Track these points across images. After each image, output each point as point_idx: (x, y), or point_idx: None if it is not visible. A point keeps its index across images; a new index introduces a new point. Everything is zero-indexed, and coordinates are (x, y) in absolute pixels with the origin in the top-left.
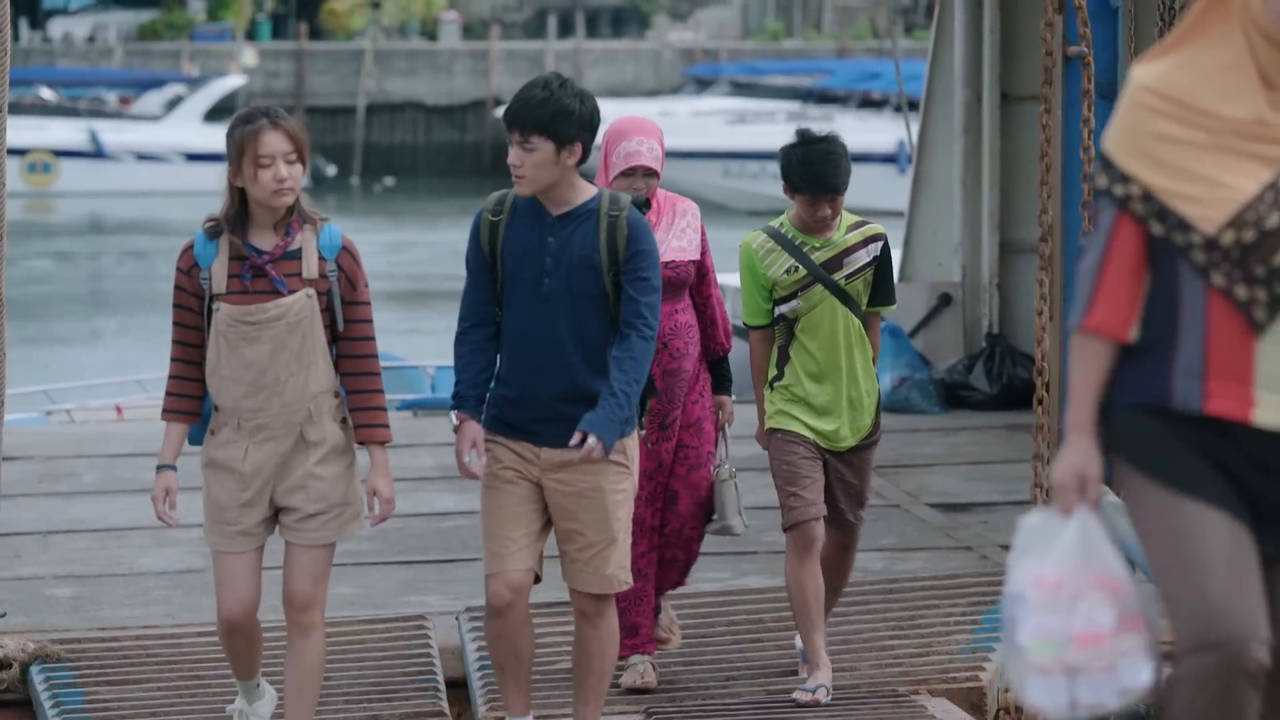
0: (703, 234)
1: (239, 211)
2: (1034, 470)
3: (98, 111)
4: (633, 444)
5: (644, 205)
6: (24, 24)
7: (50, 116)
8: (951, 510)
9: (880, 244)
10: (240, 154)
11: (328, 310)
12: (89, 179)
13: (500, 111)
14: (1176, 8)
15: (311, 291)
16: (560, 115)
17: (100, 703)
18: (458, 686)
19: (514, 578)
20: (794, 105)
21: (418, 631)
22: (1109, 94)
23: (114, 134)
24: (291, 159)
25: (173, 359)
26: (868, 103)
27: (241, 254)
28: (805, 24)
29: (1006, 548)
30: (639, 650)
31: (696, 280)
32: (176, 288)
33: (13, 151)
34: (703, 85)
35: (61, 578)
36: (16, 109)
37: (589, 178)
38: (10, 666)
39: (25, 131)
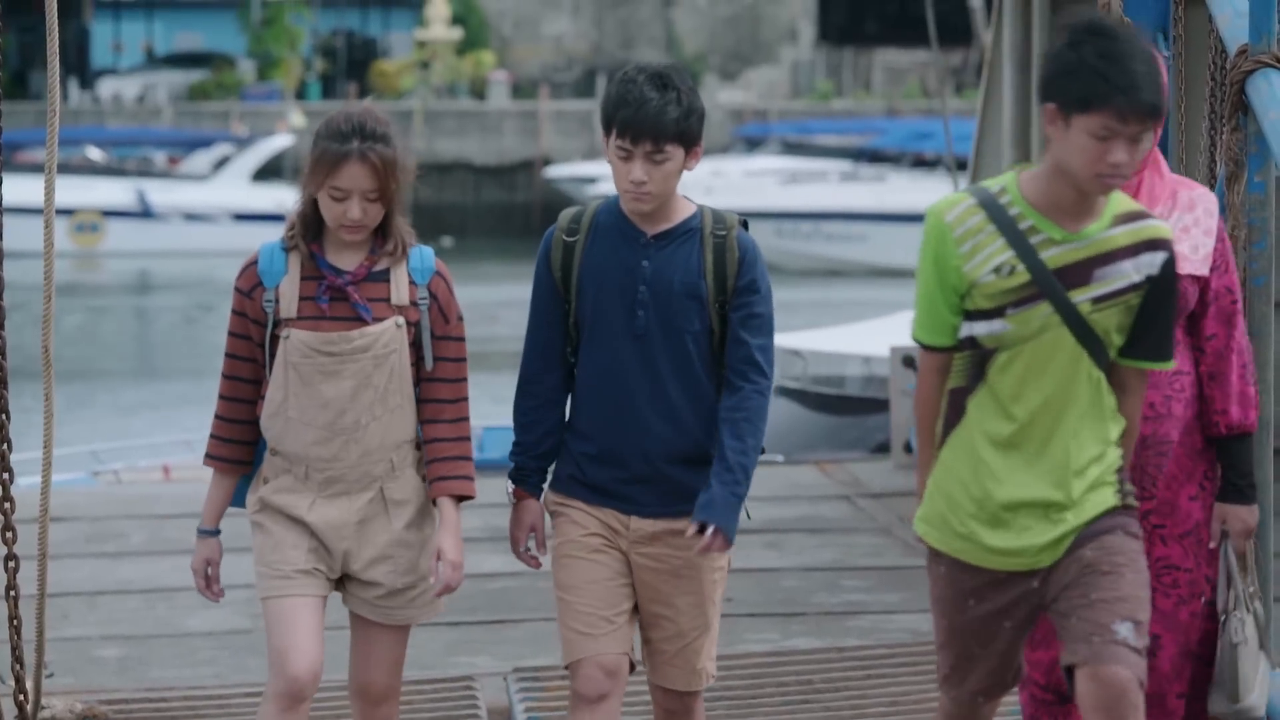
0: (1222, 239)
1: (314, 220)
2: None
3: (145, 171)
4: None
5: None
6: (74, 84)
7: (98, 176)
8: None
9: (1162, 257)
10: (314, 170)
11: (414, 344)
12: (137, 239)
13: (553, 171)
14: (1227, 66)
15: (401, 320)
16: (693, 113)
17: None
18: None
19: (610, 661)
20: (846, 165)
21: (465, 693)
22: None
23: (162, 194)
24: (372, 197)
25: (222, 396)
26: (920, 163)
27: (316, 273)
28: (855, 84)
29: None
30: None
31: (1199, 308)
32: (234, 312)
33: (60, 211)
34: (752, 145)
35: (109, 638)
36: (64, 169)
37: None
38: None
39: (73, 191)
